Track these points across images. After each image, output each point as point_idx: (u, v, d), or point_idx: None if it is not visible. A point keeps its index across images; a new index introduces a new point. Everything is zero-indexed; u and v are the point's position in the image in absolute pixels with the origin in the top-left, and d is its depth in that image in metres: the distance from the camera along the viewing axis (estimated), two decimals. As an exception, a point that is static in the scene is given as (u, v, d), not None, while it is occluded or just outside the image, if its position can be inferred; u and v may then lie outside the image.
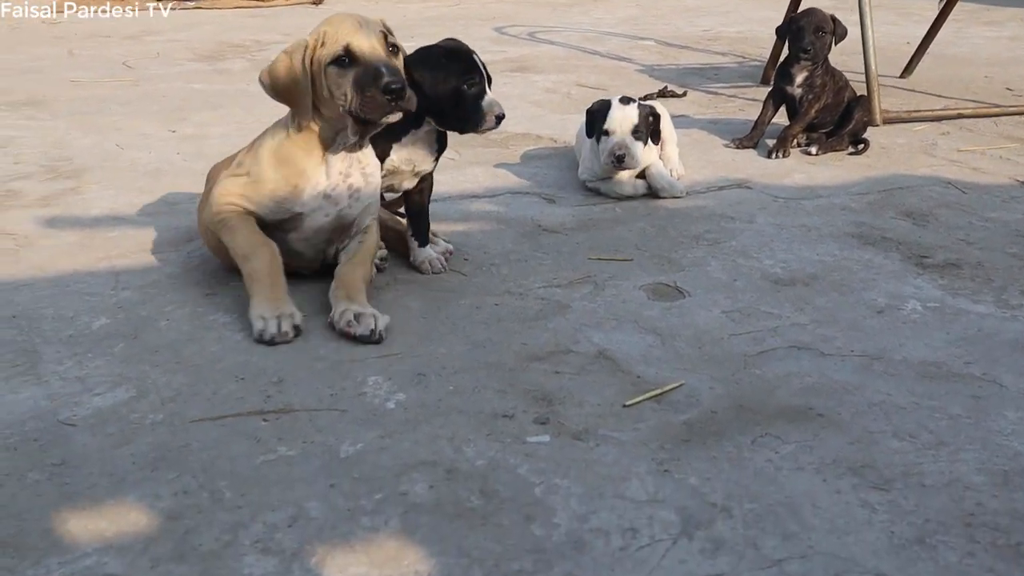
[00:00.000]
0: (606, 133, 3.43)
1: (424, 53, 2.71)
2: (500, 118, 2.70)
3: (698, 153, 4.05)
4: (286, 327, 2.43)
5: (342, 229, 2.70)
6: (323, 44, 2.52)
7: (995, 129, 4.42)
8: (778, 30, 4.43)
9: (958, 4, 5.46)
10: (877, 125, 4.43)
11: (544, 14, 8.35)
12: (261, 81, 2.61)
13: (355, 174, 2.65)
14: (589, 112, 3.54)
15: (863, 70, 4.52)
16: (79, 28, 7.64)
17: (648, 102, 3.65)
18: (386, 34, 2.55)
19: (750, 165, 3.89)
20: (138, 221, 3.27)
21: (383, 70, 2.45)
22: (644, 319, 2.52)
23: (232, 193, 2.64)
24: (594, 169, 3.54)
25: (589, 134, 3.56)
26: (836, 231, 3.15)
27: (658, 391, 2.16)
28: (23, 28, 7.68)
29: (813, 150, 3.99)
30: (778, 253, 2.97)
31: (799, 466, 1.88)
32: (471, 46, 2.75)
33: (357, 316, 2.47)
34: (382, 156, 2.76)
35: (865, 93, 4.35)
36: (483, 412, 2.08)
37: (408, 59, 2.68)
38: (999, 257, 2.92)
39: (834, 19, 4.03)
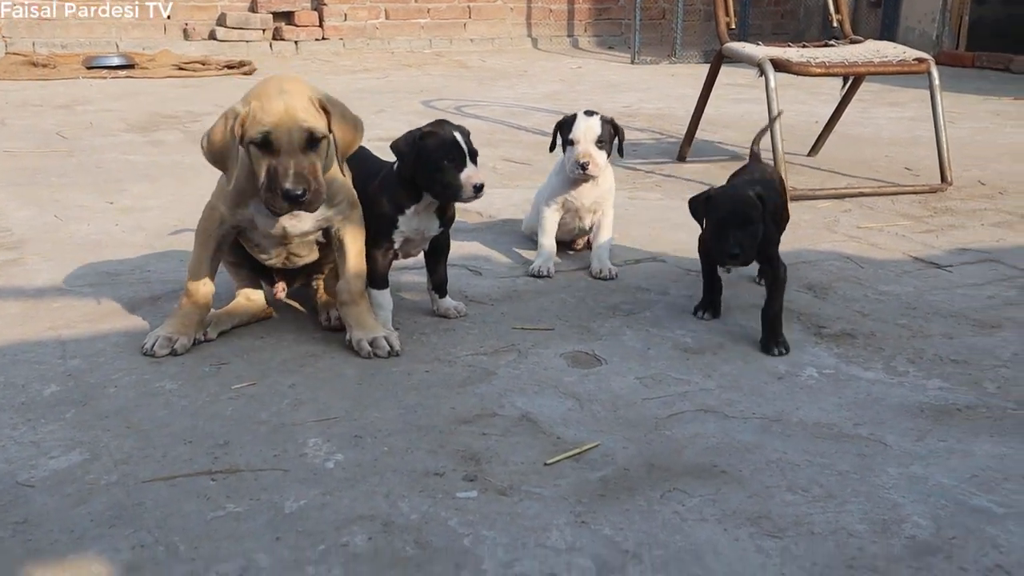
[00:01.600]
0: (571, 143, 3.64)
1: (407, 136, 3.05)
2: (478, 188, 2.99)
3: (617, 229, 4.29)
4: (160, 349, 2.86)
5: (300, 236, 2.96)
6: (251, 118, 2.67)
7: (892, 207, 4.74)
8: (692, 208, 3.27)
9: (864, 85, 5.82)
10: (784, 202, 4.72)
11: (471, 88, 8.64)
12: (202, 145, 2.78)
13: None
14: (558, 125, 3.75)
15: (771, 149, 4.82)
16: (11, 97, 7.74)
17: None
18: (310, 130, 2.68)
19: (664, 240, 4.14)
20: (81, 292, 3.41)
21: (289, 174, 2.63)
22: (564, 384, 2.73)
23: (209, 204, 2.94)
24: (559, 182, 3.75)
25: (552, 147, 3.78)
26: (742, 303, 3.39)
27: (576, 451, 2.35)
28: (-45, 96, 7.76)
29: None
30: (688, 324, 3.20)
31: (703, 517, 2.08)
32: (451, 124, 3.09)
33: (372, 342, 2.90)
34: (388, 227, 3.04)
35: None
36: (416, 470, 2.26)
37: (395, 143, 3.04)
38: (890, 328, 3.18)
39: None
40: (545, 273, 3.65)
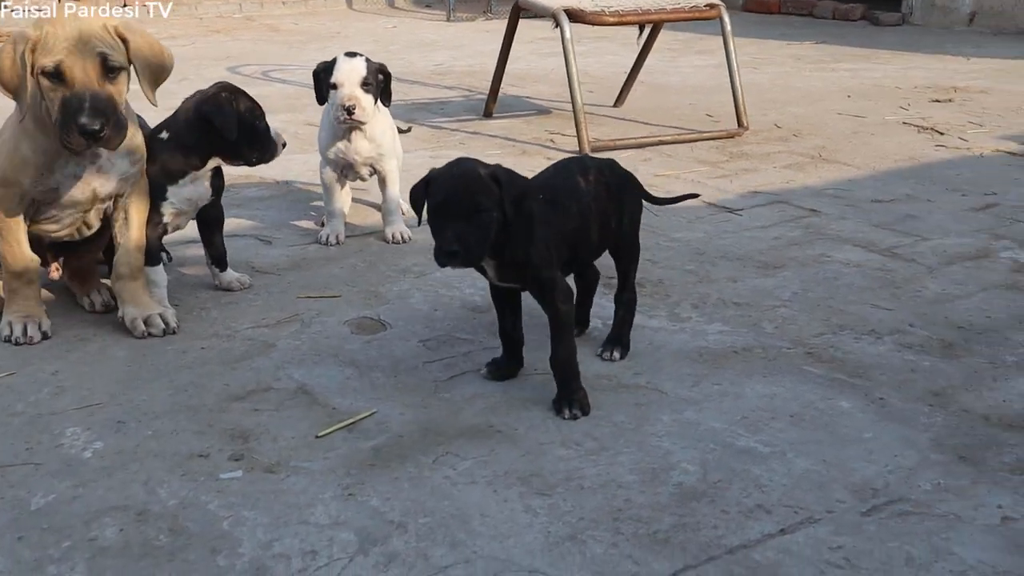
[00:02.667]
0: (334, 87, 3.36)
1: (213, 99, 2.91)
2: (283, 145, 3.00)
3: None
4: (32, 331, 2.74)
5: (100, 201, 2.78)
6: (43, 47, 2.47)
7: (691, 154, 4.80)
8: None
9: (672, 35, 5.88)
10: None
11: (280, 52, 8.40)
12: None
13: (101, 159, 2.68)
14: (315, 73, 3.46)
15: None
16: None
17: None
18: (105, 56, 2.50)
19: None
20: None
21: (84, 105, 2.44)
22: (344, 353, 2.66)
23: None
24: (327, 136, 3.51)
25: (319, 99, 3.48)
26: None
27: (349, 420, 2.29)
28: None
29: None
30: (478, 282, 3.15)
31: (473, 480, 2.05)
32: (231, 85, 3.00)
33: (147, 320, 2.78)
34: (158, 199, 2.89)
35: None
36: (179, 454, 2.16)
37: (200, 105, 2.90)
38: (677, 275, 3.21)
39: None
40: (335, 241, 3.54)
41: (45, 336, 2.76)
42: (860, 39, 8.78)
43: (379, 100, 3.47)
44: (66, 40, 2.47)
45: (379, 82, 3.44)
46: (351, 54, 3.44)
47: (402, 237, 3.55)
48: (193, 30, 9.81)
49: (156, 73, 2.71)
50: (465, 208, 2.21)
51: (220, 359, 2.63)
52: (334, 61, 3.43)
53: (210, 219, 3.07)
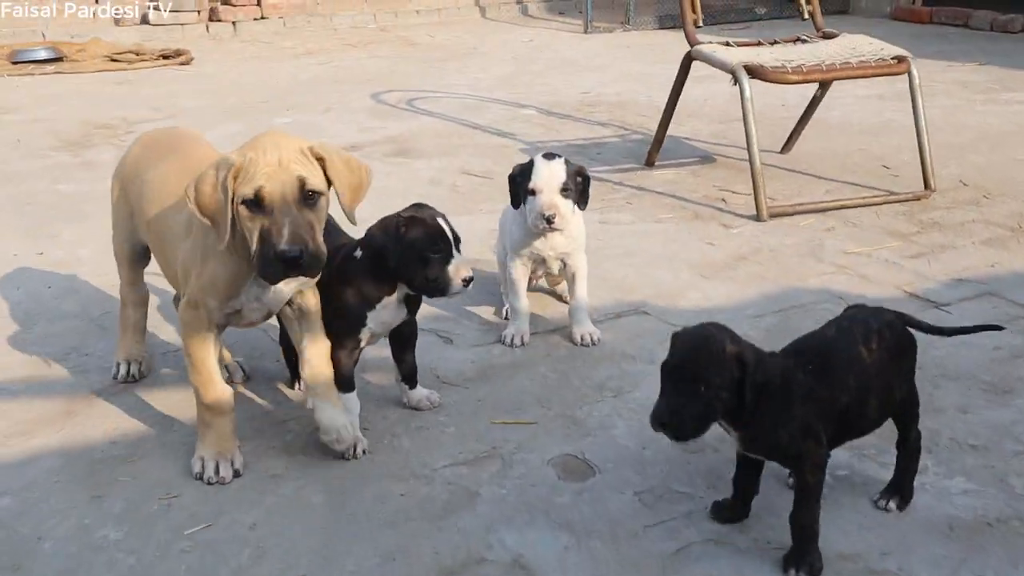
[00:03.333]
0: (532, 193, 3.21)
1: (384, 224, 2.71)
2: (468, 281, 2.70)
3: (589, 264, 4.01)
4: (224, 470, 2.61)
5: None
6: (244, 174, 2.39)
7: (877, 222, 4.48)
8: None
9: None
10: (763, 220, 4.47)
11: (420, 72, 8.26)
12: (187, 196, 2.44)
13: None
14: (511, 178, 3.31)
15: (746, 156, 4.56)
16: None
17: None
18: (304, 180, 2.40)
19: (644, 281, 3.86)
20: (10, 390, 3.08)
21: (284, 232, 2.34)
22: (556, 509, 2.46)
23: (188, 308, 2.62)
24: (520, 235, 3.33)
25: (515, 203, 3.31)
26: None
27: (580, 618, 2.09)
28: None
29: None
30: (683, 407, 2.93)
31: None
32: (431, 208, 2.76)
33: (339, 438, 2.66)
34: (356, 325, 2.74)
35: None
36: (401, 658, 1.98)
37: (371, 231, 2.71)
38: (899, 399, 2.94)
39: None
40: (520, 343, 3.36)
41: (237, 474, 2.63)
42: (1028, 60, 8.29)
43: (577, 204, 3.29)
44: (266, 167, 2.39)
45: (577, 185, 3.26)
46: (549, 156, 3.26)
47: (591, 339, 3.36)
48: (329, 43, 9.74)
49: (355, 191, 2.58)
50: (692, 380, 2.09)
51: (423, 512, 2.45)
52: (531, 165, 3.25)
53: (403, 336, 2.90)
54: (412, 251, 2.66)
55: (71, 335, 3.47)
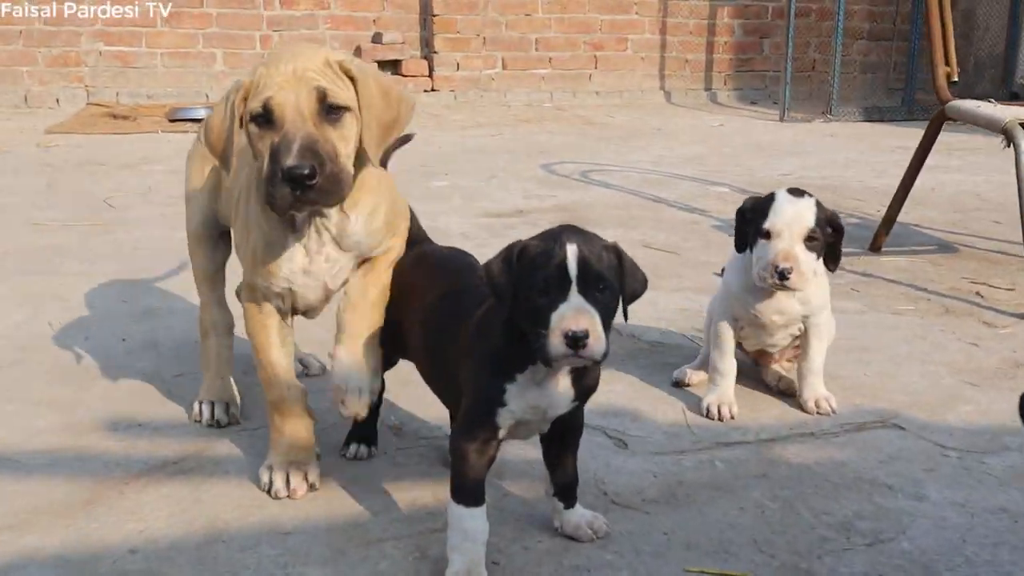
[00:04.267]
0: (766, 236, 2.45)
1: (505, 251, 1.82)
2: (574, 339, 1.68)
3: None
4: (296, 482, 2.15)
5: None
6: (254, 88, 2.00)
7: None
8: None
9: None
10: (1039, 321, 3.41)
11: (597, 148, 7.43)
12: (198, 135, 2.28)
13: (326, 244, 2.14)
14: (740, 212, 2.56)
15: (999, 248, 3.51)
16: (76, 154, 6.78)
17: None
18: (324, 91, 1.96)
19: (891, 386, 2.85)
20: (25, 466, 2.27)
21: (292, 147, 1.90)
22: None
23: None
24: (739, 288, 2.59)
25: (740, 246, 2.56)
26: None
27: None
28: (12, 152, 6.84)
29: None
30: (981, 574, 1.90)
31: None
32: (574, 232, 1.80)
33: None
34: (491, 405, 1.84)
35: None
36: None
37: (487, 264, 1.84)
38: None
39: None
40: (723, 415, 2.57)
41: (312, 487, 2.17)
42: None
43: (823, 261, 2.46)
44: (277, 75, 1.96)
45: (827, 236, 2.45)
46: (796, 192, 2.45)
47: (829, 407, 2.60)
48: (500, 118, 9.06)
49: (385, 126, 2.07)
50: None
51: None
52: (771, 198, 2.43)
53: (563, 431, 1.96)
54: (521, 287, 1.76)
55: (131, 399, 2.68)
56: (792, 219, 2.41)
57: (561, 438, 1.97)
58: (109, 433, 2.45)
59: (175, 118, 8.21)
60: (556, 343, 1.69)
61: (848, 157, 7.21)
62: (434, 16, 9.54)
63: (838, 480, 2.27)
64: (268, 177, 1.94)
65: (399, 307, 2.21)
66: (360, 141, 2.03)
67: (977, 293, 3.79)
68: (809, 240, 2.42)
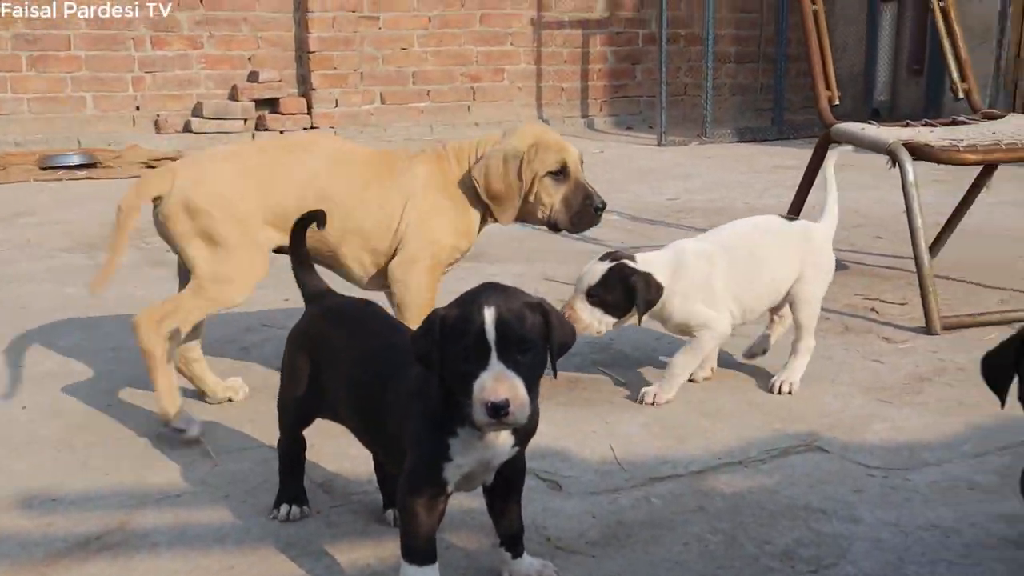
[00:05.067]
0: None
1: (428, 319, 1.81)
2: (495, 409, 1.68)
3: (729, 389, 3.08)
4: None
5: None
6: (537, 154, 2.88)
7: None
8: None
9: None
10: (936, 333, 3.52)
11: (484, 181, 7.45)
12: (475, 180, 2.87)
13: None
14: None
15: (909, 259, 3.64)
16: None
17: None
18: (581, 154, 3.00)
19: (808, 408, 2.91)
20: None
21: (591, 190, 2.94)
22: None
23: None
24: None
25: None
26: (985, 538, 2.15)
27: None
28: None
29: None
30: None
31: None
32: (497, 292, 1.78)
33: None
34: (437, 461, 1.82)
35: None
36: None
37: (414, 333, 1.87)
38: None
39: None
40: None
41: None
42: None
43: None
44: (561, 144, 2.95)
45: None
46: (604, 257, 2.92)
47: (790, 389, 3.02)
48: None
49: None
50: None
51: None
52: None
53: (506, 479, 1.95)
54: (445, 358, 1.75)
55: (41, 472, 2.55)
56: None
57: (505, 487, 1.95)
58: (23, 511, 2.34)
59: (47, 166, 7.94)
60: (478, 412, 1.69)
61: (729, 178, 7.38)
62: (310, 53, 9.44)
63: (773, 508, 2.30)
64: (569, 208, 2.92)
65: (318, 365, 2.16)
66: None
67: (872, 309, 3.91)
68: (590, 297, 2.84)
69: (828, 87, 4.22)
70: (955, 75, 4.39)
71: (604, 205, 2.91)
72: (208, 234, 2.70)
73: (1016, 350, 1.71)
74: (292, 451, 2.27)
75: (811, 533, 2.18)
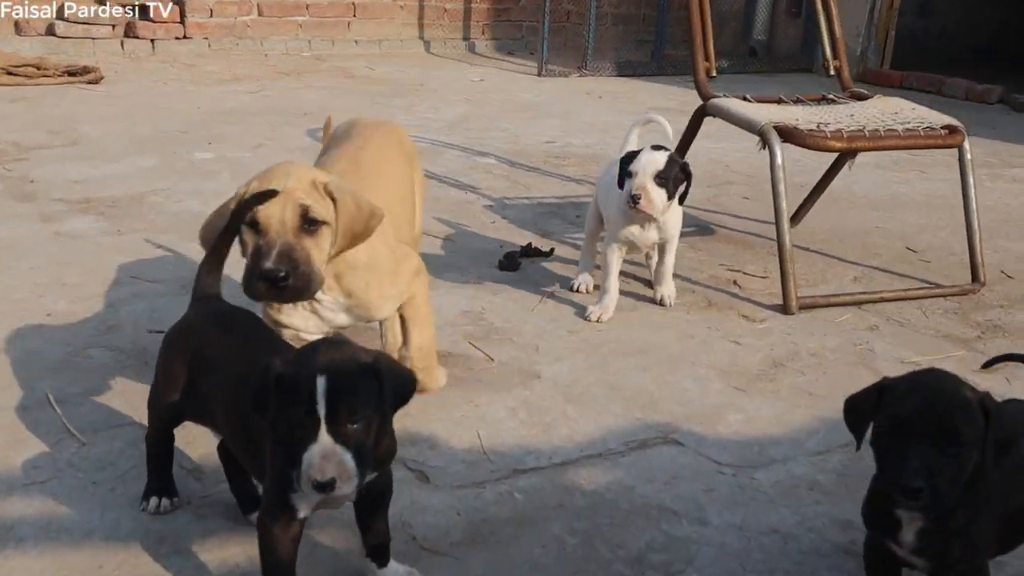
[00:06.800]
0: (629, 175, 3.42)
1: (262, 373, 1.79)
2: (322, 487, 1.72)
3: (588, 363, 3.19)
4: None
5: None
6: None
7: (927, 322, 3.73)
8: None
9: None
10: (792, 313, 3.69)
11: (363, 108, 7.35)
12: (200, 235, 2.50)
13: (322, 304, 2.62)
14: (621, 161, 3.50)
15: (773, 225, 3.78)
16: None
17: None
18: (307, 208, 2.35)
19: (667, 394, 3.04)
20: None
21: (271, 252, 2.30)
22: None
23: None
24: (615, 220, 3.60)
25: (620, 184, 3.50)
26: (820, 544, 2.31)
27: None
28: None
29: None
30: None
31: None
32: (331, 346, 1.80)
33: None
34: (285, 484, 1.83)
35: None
36: None
37: (251, 384, 1.84)
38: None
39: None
40: (597, 320, 3.56)
41: None
42: (1018, 131, 7.71)
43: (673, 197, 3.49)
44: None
45: (676, 177, 3.45)
46: (657, 147, 3.47)
47: (670, 301, 3.72)
48: (260, 70, 8.82)
49: (350, 238, 2.47)
50: (941, 433, 1.73)
51: None
52: (638, 152, 3.47)
53: (372, 494, 2.01)
54: (279, 415, 1.76)
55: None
56: (646, 163, 3.38)
57: (371, 502, 2.01)
58: None
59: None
60: (305, 484, 1.73)
61: (608, 120, 7.43)
62: (186, -40, 9.13)
63: (628, 507, 2.43)
64: (248, 272, 2.34)
65: (195, 370, 2.17)
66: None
67: (734, 282, 4.06)
68: (657, 178, 3.37)
69: (707, 58, 4.30)
70: (828, 51, 4.53)
71: (276, 272, 2.28)
72: None
73: (875, 398, 1.84)
74: (160, 445, 2.29)
75: (662, 536, 2.31)
